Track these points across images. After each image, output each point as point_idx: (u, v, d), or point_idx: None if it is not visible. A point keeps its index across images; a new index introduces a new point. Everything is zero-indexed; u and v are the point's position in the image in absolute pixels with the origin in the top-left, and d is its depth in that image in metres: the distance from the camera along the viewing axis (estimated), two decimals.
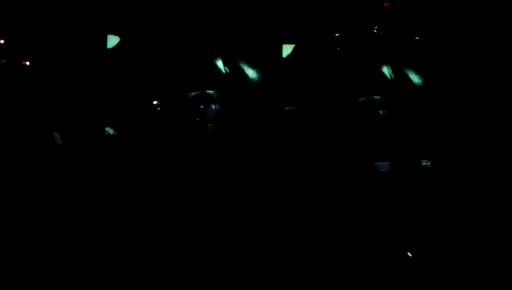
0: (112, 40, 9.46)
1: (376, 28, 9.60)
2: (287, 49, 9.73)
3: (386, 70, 9.78)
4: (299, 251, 6.20)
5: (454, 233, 6.82)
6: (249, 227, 6.91)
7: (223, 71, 9.52)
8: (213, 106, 9.25)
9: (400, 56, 9.80)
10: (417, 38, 9.73)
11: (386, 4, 9.48)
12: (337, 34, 9.61)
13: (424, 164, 8.78)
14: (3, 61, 8.97)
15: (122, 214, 7.12)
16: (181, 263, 5.99)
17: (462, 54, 9.24)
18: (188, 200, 7.69)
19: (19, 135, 8.35)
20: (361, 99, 9.66)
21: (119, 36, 9.43)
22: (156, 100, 9.08)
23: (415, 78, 9.84)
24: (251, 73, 9.63)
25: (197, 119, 9.06)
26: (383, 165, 9.02)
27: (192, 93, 9.29)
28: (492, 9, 9.02)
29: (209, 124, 9.03)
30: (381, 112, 9.72)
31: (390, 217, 7.41)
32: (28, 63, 9.05)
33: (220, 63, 9.53)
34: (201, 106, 9.08)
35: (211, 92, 9.33)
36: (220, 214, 7.28)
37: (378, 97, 9.73)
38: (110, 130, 8.96)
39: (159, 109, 9.06)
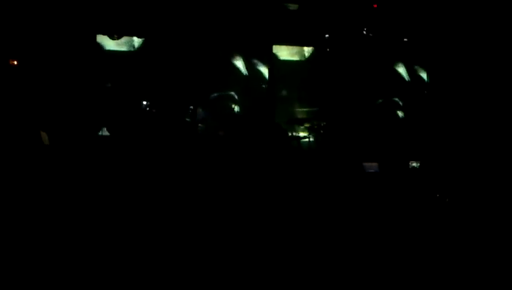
0: (102, 40, 9.46)
1: (365, 29, 9.66)
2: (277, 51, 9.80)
3: (372, 72, 9.86)
4: (286, 250, 6.19)
5: (442, 233, 6.84)
6: (239, 225, 6.90)
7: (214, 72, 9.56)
8: (202, 107, 9.26)
9: (389, 57, 9.87)
10: (406, 39, 9.81)
11: (375, 6, 9.54)
12: (327, 35, 9.66)
13: (413, 165, 8.83)
14: None
15: (111, 213, 7.07)
16: (170, 262, 5.97)
17: (450, 55, 9.32)
18: (178, 198, 7.69)
19: (6, 134, 8.29)
20: (352, 100, 9.72)
21: (108, 36, 9.42)
22: (146, 101, 9.06)
23: (403, 79, 9.91)
24: (241, 74, 9.66)
25: (187, 119, 9.06)
26: (372, 166, 9.05)
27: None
28: (480, 12, 9.10)
29: (199, 125, 9.03)
30: (371, 113, 9.79)
31: (379, 217, 7.43)
32: (15, 63, 8.98)
33: (210, 64, 9.56)
34: (191, 107, 9.07)
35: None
36: (210, 212, 7.28)
37: (364, 99, 9.80)
38: (101, 130, 8.93)
39: (148, 109, 9.05)
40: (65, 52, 8.97)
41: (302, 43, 9.89)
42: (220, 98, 9.32)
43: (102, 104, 9.13)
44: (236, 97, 9.37)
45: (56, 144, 8.61)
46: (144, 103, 9.06)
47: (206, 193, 7.92)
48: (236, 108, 9.18)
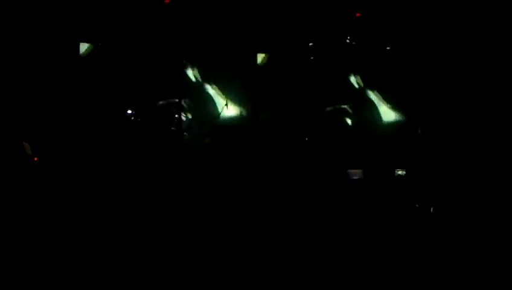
0: (85, 48, 9.38)
1: (348, 38, 9.72)
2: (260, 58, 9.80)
3: (357, 79, 9.91)
4: (267, 258, 6.19)
5: (425, 242, 6.89)
6: (224, 230, 6.93)
7: (196, 80, 9.55)
8: (187, 115, 9.25)
9: (371, 65, 9.93)
10: (388, 48, 9.88)
11: (358, 15, 9.60)
12: (310, 44, 9.70)
13: (398, 173, 8.89)
14: None
15: (92, 222, 7.05)
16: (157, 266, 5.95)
17: (432, 63, 9.41)
18: (166, 206, 7.70)
19: None
20: (332, 107, 9.76)
21: (92, 44, 9.35)
22: (131, 109, 9.03)
23: (386, 87, 9.98)
24: (225, 82, 9.65)
25: (172, 128, 9.05)
26: (356, 173, 9.09)
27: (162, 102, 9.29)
28: (460, 21, 9.21)
29: (185, 133, 9.03)
30: (352, 120, 9.85)
31: (364, 223, 7.48)
32: None
33: (192, 73, 9.55)
34: (176, 116, 9.06)
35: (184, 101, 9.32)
36: (196, 218, 7.30)
37: (347, 106, 9.85)
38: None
39: (133, 118, 9.02)
40: (48, 61, 8.91)
41: (286, 51, 9.91)
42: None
43: (85, 112, 9.08)
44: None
45: (39, 153, 8.56)
46: (129, 111, 9.04)
47: (193, 201, 7.94)
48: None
